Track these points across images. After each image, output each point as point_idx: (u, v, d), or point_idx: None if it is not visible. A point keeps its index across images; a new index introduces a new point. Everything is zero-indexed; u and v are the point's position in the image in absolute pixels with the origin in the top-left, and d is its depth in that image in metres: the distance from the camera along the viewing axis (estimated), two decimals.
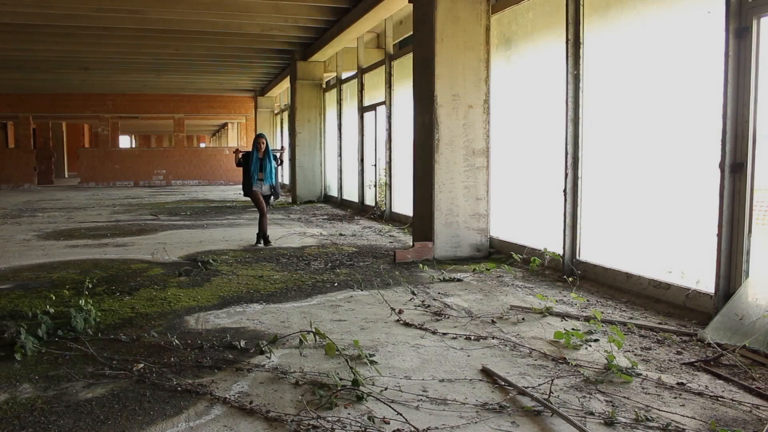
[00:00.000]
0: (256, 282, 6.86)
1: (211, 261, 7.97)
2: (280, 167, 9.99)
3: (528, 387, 3.71)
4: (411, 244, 8.67)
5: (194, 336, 4.85)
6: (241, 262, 8.08)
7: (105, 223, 12.82)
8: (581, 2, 6.75)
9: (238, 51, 17.41)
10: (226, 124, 39.56)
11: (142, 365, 4.18)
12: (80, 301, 5.29)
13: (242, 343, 4.58)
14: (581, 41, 6.74)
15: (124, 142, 50.03)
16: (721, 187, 5.02)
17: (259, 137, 9.55)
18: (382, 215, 13.16)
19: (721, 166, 5.02)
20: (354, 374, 3.79)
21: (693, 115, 5.61)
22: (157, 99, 28.46)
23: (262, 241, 9.61)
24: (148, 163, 28.76)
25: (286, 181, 22.59)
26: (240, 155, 9.55)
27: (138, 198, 20.20)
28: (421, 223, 8.52)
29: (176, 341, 4.62)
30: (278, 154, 10.01)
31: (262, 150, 9.43)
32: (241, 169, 9.76)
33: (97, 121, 28.50)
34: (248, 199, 9.94)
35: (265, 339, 4.66)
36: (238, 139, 33.63)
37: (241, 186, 10.08)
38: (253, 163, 9.34)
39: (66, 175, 35.57)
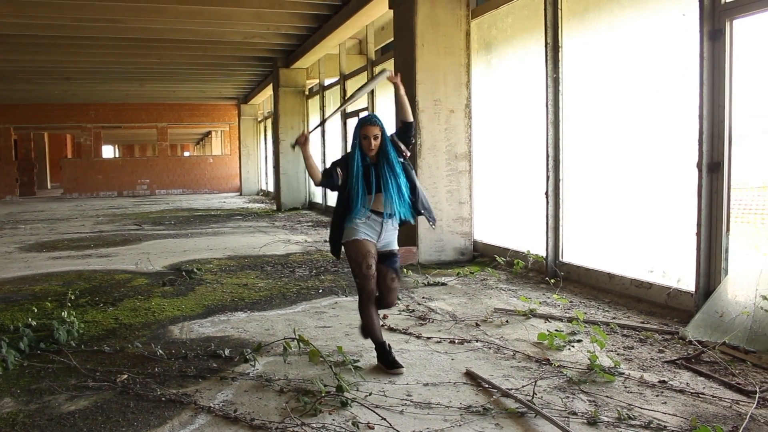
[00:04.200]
0: (241, 290, 6.85)
1: (195, 270, 7.94)
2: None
3: (512, 389, 3.73)
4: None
5: (178, 345, 4.84)
6: (226, 271, 8.06)
7: (88, 234, 12.73)
8: (559, 6, 6.82)
9: (220, 59, 17.38)
10: (209, 133, 39.40)
11: (125, 376, 4.16)
12: (63, 313, 5.28)
13: (227, 352, 4.57)
14: (560, 45, 6.81)
15: (108, 152, 49.73)
16: (699, 187, 5.09)
17: (365, 124, 4.21)
18: None
19: (699, 165, 5.08)
20: (338, 380, 3.80)
21: (671, 116, 5.68)
22: (140, 108, 28.29)
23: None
24: (131, 173, 28.58)
25: (271, 188, 22.49)
26: (313, 165, 4.43)
27: (122, 208, 20.08)
28: (406, 228, 8.49)
29: (160, 351, 4.61)
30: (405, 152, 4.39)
31: (374, 148, 4.20)
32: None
33: (80, 131, 28.28)
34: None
35: (249, 347, 4.65)
36: (222, 147, 33.48)
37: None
38: (355, 177, 4.22)
39: (49, 187, 35.27)
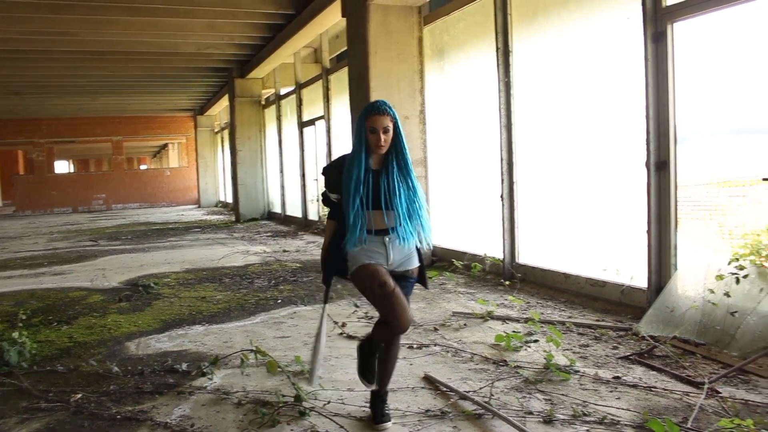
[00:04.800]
0: (199, 303, 6.77)
1: (152, 284, 7.83)
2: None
3: (469, 391, 3.76)
4: None
5: (135, 362, 4.76)
6: (184, 284, 7.96)
7: (42, 252, 12.44)
8: (509, 12, 6.92)
9: (174, 70, 17.19)
10: (166, 145, 38.86)
11: (79, 396, 4.08)
12: (14, 334, 5.13)
13: (184, 366, 4.52)
14: (510, 49, 6.91)
15: (62, 167, 48.64)
16: (648, 185, 5.21)
17: (373, 112, 3.29)
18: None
19: (647, 164, 5.20)
20: (296, 390, 3.78)
21: (619, 116, 5.79)
22: (94, 122, 27.79)
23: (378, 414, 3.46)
24: (87, 188, 28.04)
25: (230, 199, 22.27)
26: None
27: (77, 224, 19.68)
28: None
29: (116, 368, 4.53)
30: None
31: (385, 144, 3.31)
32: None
33: (32, 146, 27.66)
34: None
35: (207, 360, 4.60)
36: (179, 159, 33.07)
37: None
38: (352, 188, 3.31)
39: (0, 204, 34.40)
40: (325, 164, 3.66)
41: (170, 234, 14.95)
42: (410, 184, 3.34)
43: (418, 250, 3.43)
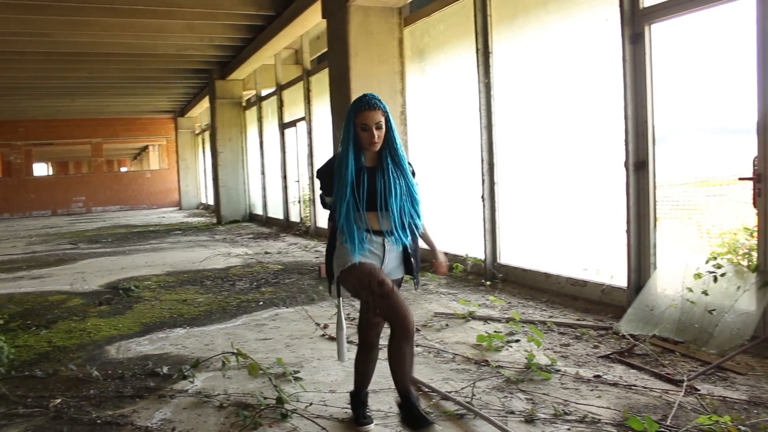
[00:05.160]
0: (180, 306, 6.73)
1: (133, 288, 7.76)
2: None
3: (451, 391, 3.77)
4: None
5: (115, 366, 4.72)
6: (165, 287, 7.91)
7: (20, 255, 12.30)
8: (489, 13, 6.95)
9: (154, 72, 17.07)
10: (147, 147, 38.58)
11: (59, 400, 4.03)
12: None
13: (165, 370, 4.48)
14: (490, 50, 6.94)
15: (40, 169, 48.09)
16: (627, 185, 5.26)
17: (363, 108, 3.12)
18: (308, 231, 13.14)
19: (626, 164, 5.25)
20: (278, 392, 3.77)
21: (599, 117, 5.84)
22: (73, 124, 27.47)
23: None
24: (66, 191, 27.73)
25: (211, 201, 22.15)
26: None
27: (56, 227, 19.47)
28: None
29: (96, 373, 4.48)
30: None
31: (378, 141, 3.17)
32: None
33: (9, 149, 27.29)
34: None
35: (188, 363, 4.57)
36: (159, 161, 32.80)
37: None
38: (343, 187, 3.16)
39: None
40: (318, 166, 3.41)
41: (151, 236, 14.84)
42: (406, 180, 3.25)
43: (413, 244, 3.35)
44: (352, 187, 3.12)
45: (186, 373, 4.35)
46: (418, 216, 3.31)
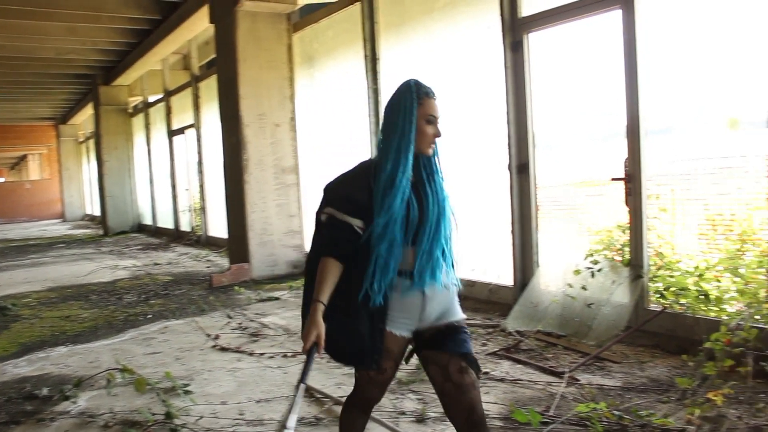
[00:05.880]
0: (63, 323, 6.38)
1: (9, 306, 7.29)
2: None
3: (343, 396, 3.76)
4: (228, 267, 8.49)
5: None
6: (46, 304, 7.48)
7: None
8: (376, 20, 7.04)
9: (32, 77, 16.10)
10: (26, 156, 36.48)
11: None
12: None
13: (45, 391, 4.22)
14: (378, 56, 7.02)
15: None
16: (511, 187, 5.45)
17: (426, 95, 2.31)
18: (199, 240, 12.80)
19: (509, 167, 5.44)
20: (167, 407, 3.64)
21: (485, 121, 6.00)
22: None
23: None
24: None
25: (97, 212, 21.17)
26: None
27: None
28: (237, 245, 8.38)
29: None
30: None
31: (429, 141, 2.37)
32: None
33: None
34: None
35: (70, 383, 4.33)
36: (40, 171, 31.05)
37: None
38: (398, 206, 2.20)
39: None
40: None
41: (31, 251, 14.00)
42: (442, 197, 2.37)
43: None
44: (406, 210, 2.23)
45: (68, 394, 4.11)
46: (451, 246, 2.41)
